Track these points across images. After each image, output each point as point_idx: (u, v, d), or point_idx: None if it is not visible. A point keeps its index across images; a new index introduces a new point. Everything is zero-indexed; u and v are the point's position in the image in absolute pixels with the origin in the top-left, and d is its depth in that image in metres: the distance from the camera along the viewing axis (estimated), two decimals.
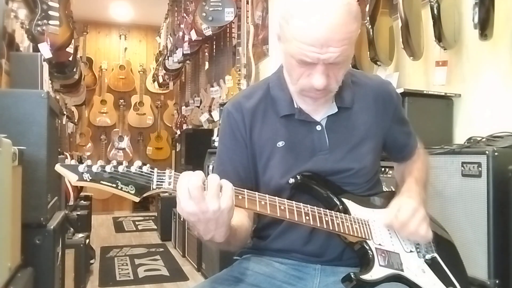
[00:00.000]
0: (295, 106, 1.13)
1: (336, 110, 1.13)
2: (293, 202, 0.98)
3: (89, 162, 0.84)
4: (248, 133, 1.13)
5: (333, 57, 0.96)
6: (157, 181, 0.86)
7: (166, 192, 0.90)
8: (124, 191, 0.84)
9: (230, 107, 1.17)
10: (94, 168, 0.84)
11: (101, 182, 0.84)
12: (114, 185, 0.84)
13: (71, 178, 0.83)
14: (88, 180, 0.83)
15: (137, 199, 0.86)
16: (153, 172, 0.86)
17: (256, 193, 0.94)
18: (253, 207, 0.92)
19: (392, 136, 1.21)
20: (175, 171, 0.88)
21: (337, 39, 0.95)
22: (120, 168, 0.85)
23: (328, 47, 0.95)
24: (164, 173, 0.87)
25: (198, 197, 0.83)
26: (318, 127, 1.12)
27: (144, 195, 0.86)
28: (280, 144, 1.11)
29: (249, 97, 1.17)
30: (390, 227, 1.07)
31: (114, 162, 0.85)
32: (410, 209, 1.05)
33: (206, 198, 0.84)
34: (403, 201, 1.08)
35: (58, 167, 0.85)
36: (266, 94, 1.16)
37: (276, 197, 0.96)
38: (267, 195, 0.95)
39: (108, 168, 0.84)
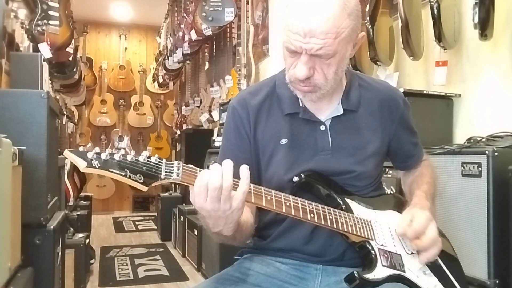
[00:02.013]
0: (300, 105, 1.13)
1: (342, 112, 1.13)
2: (298, 198, 0.98)
3: (97, 149, 0.84)
4: (253, 130, 1.14)
5: (315, 48, 0.96)
6: (165, 172, 0.86)
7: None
8: (133, 179, 0.84)
9: (235, 103, 1.17)
10: (103, 156, 0.83)
11: (109, 169, 0.83)
12: (123, 173, 0.84)
13: (80, 164, 0.82)
14: (97, 167, 0.83)
15: (145, 189, 0.86)
16: (161, 162, 0.87)
17: (262, 188, 0.94)
18: (259, 202, 0.93)
19: (398, 144, 1.21)
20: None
21: (320, 31, 0.95)
22: (129, 157, 0.84)
23: (311, 37, 0.95)
24: (172, 164, 0.88)
25: (214, 197, 0.86)
26: (322, 127, 1.12)
27: (153, 184, 0.86)
28: (283, 141, 1.11)
29: (255, 93, 1.17)
30: (404, 235, 1.05)
31: (122, 151, 0.85)
32: (424, 219, 1.02)
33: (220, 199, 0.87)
34: (416, 211, 1.06)
35: (66, 153, 0.84)
36: (272, 91, 1.17)
37: (282, 193, 0.96)
38: (272, 191, 0.95)
39: (117, 156, 0.84)
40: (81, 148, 0.84)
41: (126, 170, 0.84)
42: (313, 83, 1.03)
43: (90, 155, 0.83)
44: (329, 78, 1.03)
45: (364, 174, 1.12)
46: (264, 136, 1.13)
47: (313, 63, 1.00)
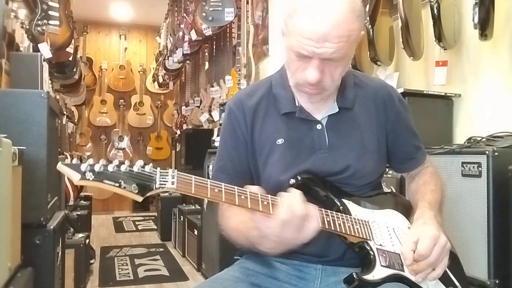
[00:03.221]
0: (297, 104, 1.13)
1: (337, 110, 1.13)
2: None
3: (91, 161, 0.82)
4: (249, 131, 1.14)
5: (329, 53, 0.97)
6: (160, 181, 0.85)
7: (167, 192, 0.90)
8: (128, 190, 0.83)
9: (232, 104, 1.18)
10: (97, 167, 0.82)
11: (103, 181, 0.82)
12: (117, 185, 0.83)
13: (73, 177, 0.81)
14: (91, 179, 0.81)
15: (140, 199, 0.85)
16: (155, 171, 0.86)
17: (258, 193, 0.94)
18: (256, 207, 0.93)
19: (395, 143, 1.19)
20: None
21: (334, 35, 0.95)
22: (123, 168, 0.83)
23: (325, 42, 0.96)
24: (167, 172, 0.86)
25: (297, 225, 0.89)
26: (319, 126, 1.12)
27: (147, 194, 0.85)
28: (280, 141, 1.12)
29: (251, 94, 1.18)
30: (409, 260, 1.01)
31: (116, 161, 0.84)
32: (430, 238, 0.99)
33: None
34: (422, 231, 1.02)
35: (60, 166, 0.83)
36: (268, 92, 1.17)
37: (278, 198, 0.96)
38: (269, 196, 0.95)
39: (111, 167, 0.83)
40: (74, 161, 0.83)
41: (120, 181, 0.83)
42: (321, 86, 1.04)
43: (83, 167, 0.81)
44: (335, 80, 1.05)
45: (361, 172, 1.12)
46: (261, 137, 1.14)
47: (323, 66, 1.01)
